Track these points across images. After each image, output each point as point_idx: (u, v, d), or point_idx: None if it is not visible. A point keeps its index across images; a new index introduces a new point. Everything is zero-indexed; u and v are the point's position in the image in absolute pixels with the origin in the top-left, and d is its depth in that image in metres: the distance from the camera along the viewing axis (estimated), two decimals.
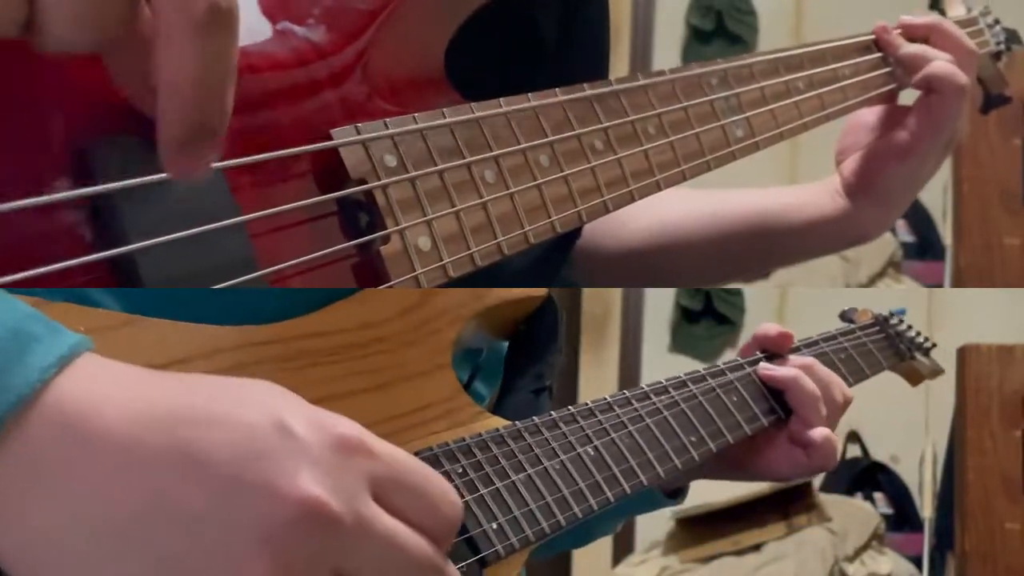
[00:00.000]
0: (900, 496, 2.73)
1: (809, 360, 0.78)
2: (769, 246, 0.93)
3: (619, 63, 2.77)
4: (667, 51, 2.85)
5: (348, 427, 0.40)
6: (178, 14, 0.36)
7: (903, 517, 2.71)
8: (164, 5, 0.36)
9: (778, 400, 0.75)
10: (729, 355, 2.99)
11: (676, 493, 0.80)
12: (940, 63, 0.87)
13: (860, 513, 2.61)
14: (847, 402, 0.78)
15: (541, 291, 0.66)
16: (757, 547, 2.55)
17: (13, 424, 0.35)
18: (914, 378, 1.02)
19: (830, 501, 2.60)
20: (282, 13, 0.49)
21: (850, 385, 0.82)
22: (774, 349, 0.79)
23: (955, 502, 2.28)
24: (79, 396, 0.37)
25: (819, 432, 0.74)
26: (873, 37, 0.90)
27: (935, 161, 0.91)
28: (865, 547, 2.55)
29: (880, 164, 0.90)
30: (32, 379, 0.36)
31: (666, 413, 0.66)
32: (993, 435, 2.24)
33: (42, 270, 0.38)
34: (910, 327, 1.03)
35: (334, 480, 0.38)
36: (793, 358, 0.78)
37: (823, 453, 0.74)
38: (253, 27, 0.48)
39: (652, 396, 0.66)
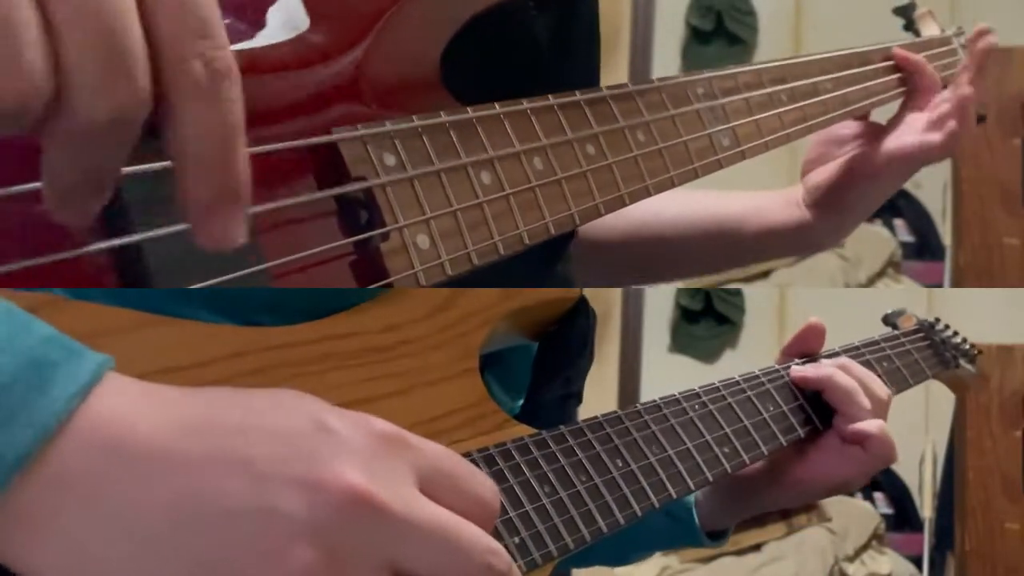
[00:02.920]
0: (900, 496, 2.73)
1: (843, 360, 0.77)
2: (727, 249, 0.95)
3: (619, 63, 2.77)
4: (667, 51, 2.85)
5: (385, 423, 0.40)
6: (180, 77, 0.35)
7: (903, 517, 2.71)
8: (166, 75, 0.35)
9: (815, 408, 0.74)
10: (729, 355, 2.98)
11: (720, 534, 0.80)
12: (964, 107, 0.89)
13: (860, 513, 2.62)
14: (889, 399, 0.77)
15: (575, 292, 0.65)
16: (757, 547, 2.55)
17: (42, 454, 0.35)
18: (959, 387, 1.00)
19: (830, 501, 2.60)
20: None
21: (893, 395, 0.80)
22: (809, 348, 0.78)
23: (955, 502, 2.28)
24: (108, 417, 0.37)
25: (874, 423, 0.72)
26: (855, 51, 0.91)
27: (899, 185, 0.93)
28: (865, 547, 2.55)
29: (851, 181, 0.91)
30: (57, 409, 0.35)
31: (698, 423, 0.64)
32: (993, 435, 2.24)
33: (44, 259, 0.38)
34: (956, 333, 1.01)
35: (378, 469, 0.38)
36: (826, 360, 0.77)
37: (881, 443, 0.72)
38: (300, 25, 0.49)
39: (683, 402, 0.65)
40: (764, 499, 0.76)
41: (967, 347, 1.01)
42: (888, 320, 0.98)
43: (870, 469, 0.74)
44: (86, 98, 0.33)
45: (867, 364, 0.81)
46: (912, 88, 0.94)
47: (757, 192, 0.98)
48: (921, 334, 0.95)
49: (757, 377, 0.72)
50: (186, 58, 0.35)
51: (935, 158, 0.91)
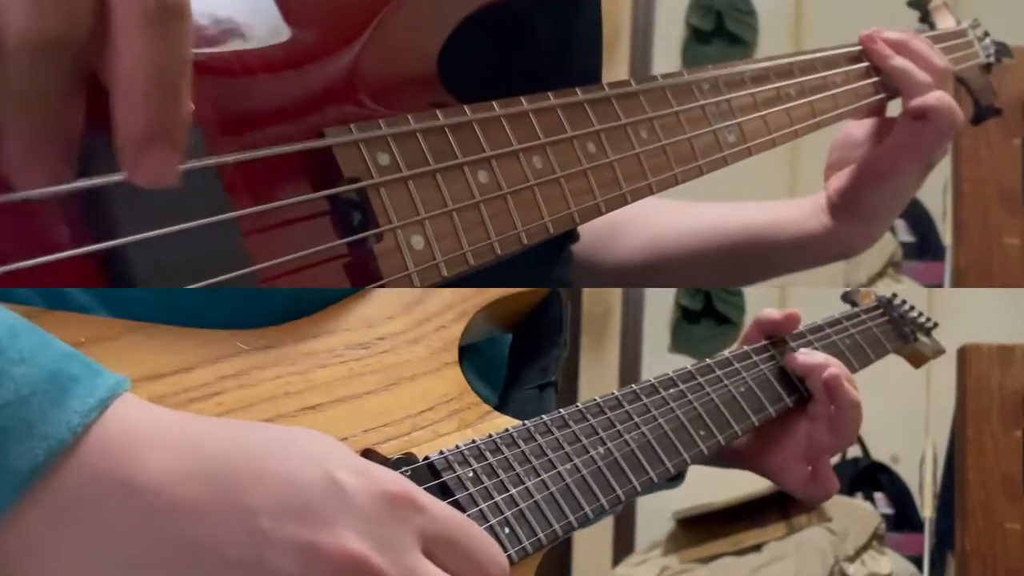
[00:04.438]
0: (900, 496, 2.73)
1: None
2: (756, 261, 0.95)
3: (619, 63, 2.77)
4: (667, 51, 2.85)
5: (396, 481, 0.40)
6: (127, 6, 0.35)
7: (903, 517, 2.71)
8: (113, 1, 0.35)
9: (788, 387, 0.75)
10: None
11: (675, 477, 0.80)
12: (940, 95, 0.87)
13: (860, 513, 2.61)
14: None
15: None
16: (757, 547, 2.55)
17: (53, 468, 0.35)
18: (917, 360, 1.02)
19: (830, 501, 2.60)
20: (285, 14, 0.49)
21: (855, 371, 0.82)
22: (781, 332, 0.79)
23: (955, 502, 2.28)
24: (119, 440, 0.37)
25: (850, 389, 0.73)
26: (859, 46, 0.90)
27: (917, 180, 0.92)
28: (865, 547, 2.54)
29: (862, 185, 0.91)
30: (73, 423, 0.36)
31: (674, 406, 0.66)
32: (993, 435, 2.23)
33: (31, 262, 0.37)
34: (912, 307, 1.03)
35: (381, 534, 0.38)
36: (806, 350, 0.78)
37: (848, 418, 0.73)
38: (276, 27, 0.48)
39: (660, 390, 0.66)
40: (724, 462, 0.78)
41: (923, 320, 1.03)
42: (847, 298, 1.00)
43: (833, 441, 0.75)
44: (21, 14, 0.33)
45: (830, 342, 0.84)
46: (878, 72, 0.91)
47: (780, 202, 0.97)
48: (880, 310, 0.97)
49: (728, 360, 0.74)
50: None
51: (932, 145, 0.88)
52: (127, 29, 0.35)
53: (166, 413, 0.39)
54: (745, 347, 0.77)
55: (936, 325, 1.05)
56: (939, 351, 1.04)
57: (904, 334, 0.98)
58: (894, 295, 1.02)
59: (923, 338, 1.02)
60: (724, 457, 0.78)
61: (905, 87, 0.88)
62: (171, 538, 0.36)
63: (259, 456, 0.38)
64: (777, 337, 0.80)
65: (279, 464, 0.38)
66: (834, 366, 0.75)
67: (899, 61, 0.89)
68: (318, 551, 0.37)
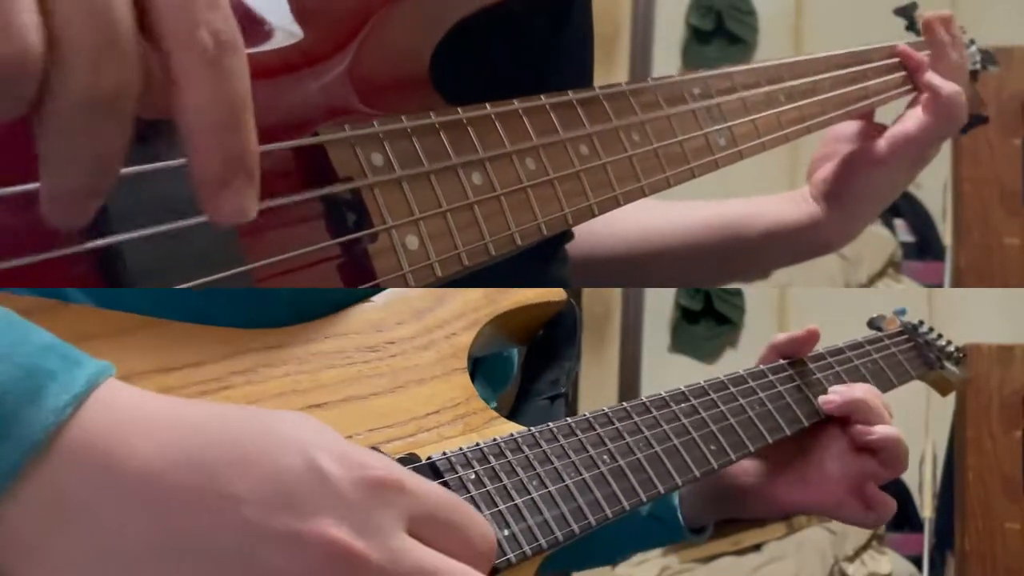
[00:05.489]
0: (900, 496, 2.72)
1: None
2: (736, 251, 0.95)
3: (619, 63, 2.77)
4: (667, 51, 2.85)
5: (380, 465, 0.40)
6: (187, 52, 0.35)
7: (903, 517, 2.71)
8: (171, 45, 0.35)
9: (806, 407, 0.75)
10: (729, 355, 2.96)
11: (702, 530, 0.80)
12: (955, 89, 0.90)
13: None
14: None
15: (560, 296, 0.66)
16: (757, 547, 2.55)
17: (32, 467, 0.35)
18: (944, 387, 1.01)
19: None
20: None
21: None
22: (800, 351, 0.78)
23: (955, 502, 2.28)
24: (104, 429, 0.36)
25: (883, 429, 0.73)
26: (853, 51, 0.92)
27: (906, 176, 0.94)
28: (865, 547, 2.54)
29: (853, 169, 0.92)
30: (47, 422, 0.35)
31: (686, 422, 0.65)
32: (993, 435, 2.23)
33: (24, 260, 0.37)
34: (940, 335, 1.02)
35: (363, 519, 0.38)
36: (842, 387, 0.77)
37: (892, 452, 0.74)
38: (291, 29, 0.49)
39: (671, 404, 0.65)
40: (747, 509, 0.77)
41: (951, 349, 1.02)
42: (873, 324, 0.98)
43: (877, 477, 0.76)
44: (79, 70, 0.33)
45: (851, 366, 0.83)
46: (916, 85, 0.95)
47: (760, 196, 0.98)
48: (905, 336, 0.96)
49: (743, 378, 0.73)
50: (193, 28, 0.35)
51: (932, 137, 0.91)
52: (189, 73, 0.35)
53: (154, 398, 0.39)
54: (762, 366, 0.76)
55: (965, 355, 1.04)
56: (967, 380, 1.04)
57: (929, 360, 0.96)
58: (920, 322, 1.01)
59: (950, 366, 1.00)
60: (769, 505, 0.77)
61: (930, 86, 0.91)
62: (159, 530, 0.36)
63: (243, 443, 0.38)
64: (795, 357, 0.78)
65: (262, 452, 0.38)
66: (863, 398, 0.74)
67: (931, 76, 0.93)
68: (301, 541, 0.37)
